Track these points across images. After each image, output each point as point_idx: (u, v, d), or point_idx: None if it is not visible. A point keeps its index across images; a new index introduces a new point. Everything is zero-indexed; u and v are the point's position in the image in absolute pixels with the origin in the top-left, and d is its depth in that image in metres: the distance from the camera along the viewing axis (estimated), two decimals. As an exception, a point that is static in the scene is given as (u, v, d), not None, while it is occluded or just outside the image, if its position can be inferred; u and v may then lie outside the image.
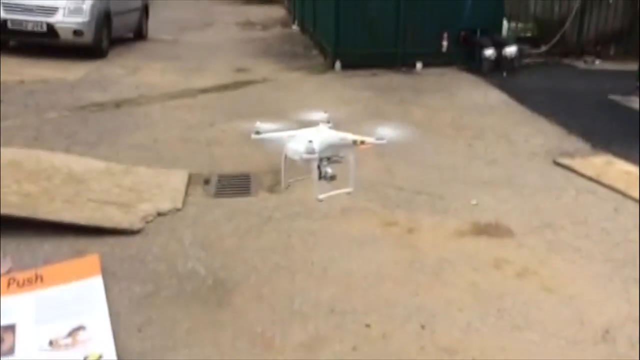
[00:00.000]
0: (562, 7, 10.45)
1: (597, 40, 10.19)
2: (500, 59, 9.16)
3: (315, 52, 11.65)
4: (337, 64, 9.54)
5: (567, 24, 9.78)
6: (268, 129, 4.60)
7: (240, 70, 9.84)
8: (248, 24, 17.20)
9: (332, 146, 4.30)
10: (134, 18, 12.20)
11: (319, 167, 3.89)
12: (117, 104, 7.13)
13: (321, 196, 4.01)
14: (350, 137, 4.41)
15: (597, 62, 9.89)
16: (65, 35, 9.57)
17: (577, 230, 4.01)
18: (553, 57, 9.94)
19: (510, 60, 9.11)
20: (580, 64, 9.82)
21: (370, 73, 9.25)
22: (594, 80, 8.76)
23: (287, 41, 13.56)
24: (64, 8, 9.56)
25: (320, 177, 3.83)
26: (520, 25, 11.03)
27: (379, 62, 9.52)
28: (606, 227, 4.05)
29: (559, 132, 6.32)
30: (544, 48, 9.91)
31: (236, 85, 8.67)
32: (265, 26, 16.85)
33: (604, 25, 10.10)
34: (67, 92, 7.65)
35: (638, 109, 6.96)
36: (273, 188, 4.64)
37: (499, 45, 9.23)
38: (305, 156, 3.59)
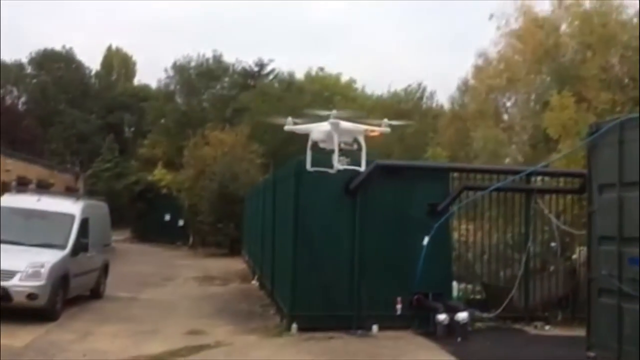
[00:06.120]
0: (506, 273, 11.05)
1: (543, 305, 10.57)
2: (453, 323, 9.33)
3: (272, 311, 11.69)
4: (294, 326, 9.53)
5: (514, 291, 10.22)
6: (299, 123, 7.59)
7: (193, 332, 9.70)
8: (207, 278, 17.46)
9: (349, 131, 6.85)
10: (92, 277, 12.22)
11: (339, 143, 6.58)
12: (59, 380, 6.80)
13: (340, 167, 6.85)
14: (362, 126, 7.02)
15: (547, 327, 10.11)
16: (19, 299, 9.42)
17: None
18: (504, 322, 10.16)
19: (463, 325, 9.27)
20: (530, 330, 10.00)
21: (326, 336, 9.22)
22: (547, 347, 8.85)
23: (244, 298, 13.68)
24: (23, 272, 9.55)
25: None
26: (469, 286, 11.46)
27: (335, 324, 9.57)
28: None
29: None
30: (493, 312, 10.18)
31: (188, 350, 8.47)
32: (224, 280, 17.12)
33: (548, 292, 10.60)
34: (9, 363, 7.31)
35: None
36: None
37: (451, 310, 9.47)
38: (330, 121, 6.45)
